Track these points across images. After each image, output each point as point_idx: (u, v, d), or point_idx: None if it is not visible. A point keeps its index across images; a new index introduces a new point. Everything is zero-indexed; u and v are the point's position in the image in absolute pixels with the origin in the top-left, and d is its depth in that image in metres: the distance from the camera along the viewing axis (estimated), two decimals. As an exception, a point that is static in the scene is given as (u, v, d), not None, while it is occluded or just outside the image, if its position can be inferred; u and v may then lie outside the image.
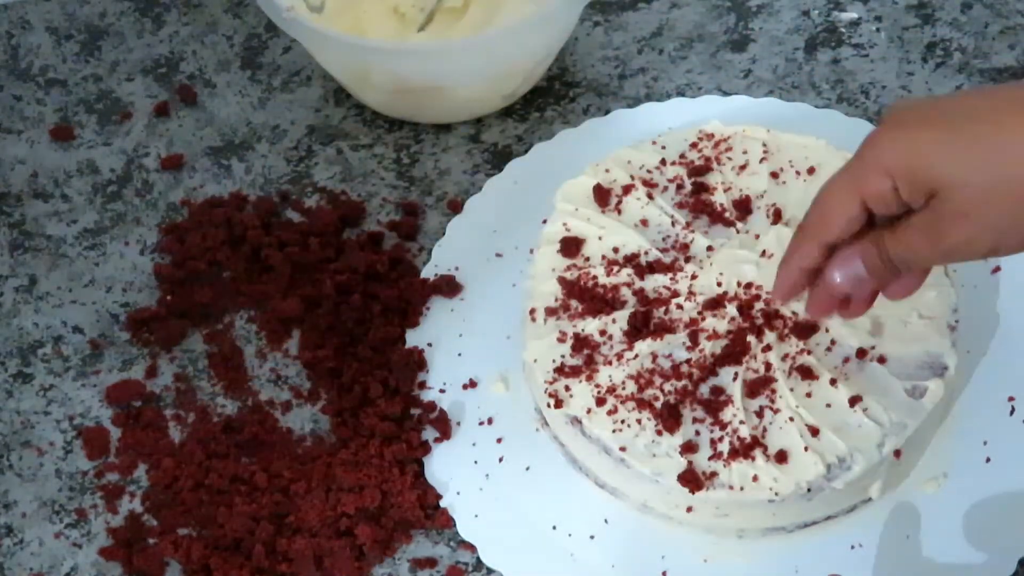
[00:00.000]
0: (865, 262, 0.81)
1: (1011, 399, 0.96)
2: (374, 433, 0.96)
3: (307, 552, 0.92)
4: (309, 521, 0.93)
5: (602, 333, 0.95)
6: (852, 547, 0.91)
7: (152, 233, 1.08)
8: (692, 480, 0.89)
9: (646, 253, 0.98)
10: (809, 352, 0.93)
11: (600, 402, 0.92)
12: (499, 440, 0.97)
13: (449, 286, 1.03)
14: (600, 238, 0.99)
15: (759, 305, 0.95)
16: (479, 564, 0.93)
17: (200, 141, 1.13)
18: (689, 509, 0.91)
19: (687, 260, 0.98)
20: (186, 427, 0.99)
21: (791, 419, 0.90)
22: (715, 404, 0.91)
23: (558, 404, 0.93)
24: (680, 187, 1.01)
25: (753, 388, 0.92)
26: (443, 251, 1.04)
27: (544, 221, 1.01)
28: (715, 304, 0.95)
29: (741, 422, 0.91)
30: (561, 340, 0.95)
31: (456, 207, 1.07)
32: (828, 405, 0.91)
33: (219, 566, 0.92)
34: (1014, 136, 0.72)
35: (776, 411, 0.91)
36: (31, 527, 0.96)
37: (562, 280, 0.97)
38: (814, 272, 0.83)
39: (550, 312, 0.96)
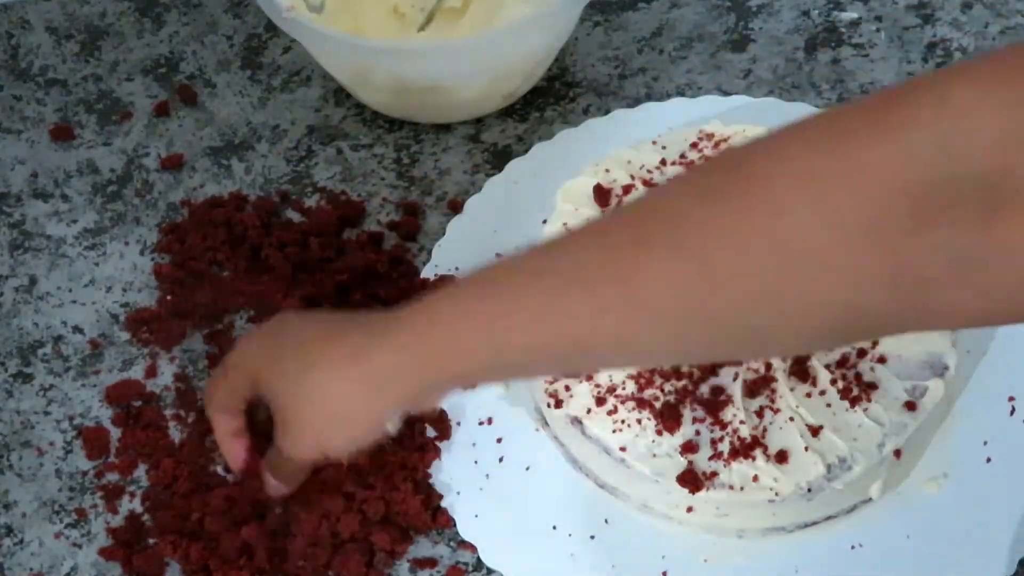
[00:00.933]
0: (274, 479, 0.92)
1: (1011, 399, 0.96)
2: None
3: (315, 555, 0.92)
4: (311, 524, 0.93)
5: (602, 333, 0.95)
6: (852, 547, 0.91)
7: (152, 233, 1.08)
8: (691, 481, 0.89)
9: (646, 253, 0.98)
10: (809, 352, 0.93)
11: (600, 402, 0.92)
12: (499, 440, 0.97)
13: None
14: (600, 238, 0.99)
15: (759, 305, 0.95)
16: (479, 564, 0.93)
17: (200, 141, 1.13)
18: (689, 509, 0.91)
19: (687, 260, 0.98)
20: (186, 427, 0.99)
21: (791, 419, 0.90)
22: (715, 404, 0.91)
23: (558, 404, 0.93)
24: (680, 187, 1.01)
25: (753, 388, 0.92)
26: (443, 251, 1.04)
27: (544, 221, 1.01)
28: (715, 304, 0.95)
29: (741, 422, 0.91)
30: (561, 340, 0.95)
31: (456, 207, 1.07)
32: (828, 405, 0.91)
33: (219, 567, 0.92)
34: (316, 368, 0.82)
35: (776, 411, 0.91)
36: (31, 527, 0.96)
37: (562, 280, 0.97)
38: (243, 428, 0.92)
39: (550, 312, 0.96)
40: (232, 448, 0.92)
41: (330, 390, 0.82)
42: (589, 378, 0.93)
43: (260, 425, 0.91)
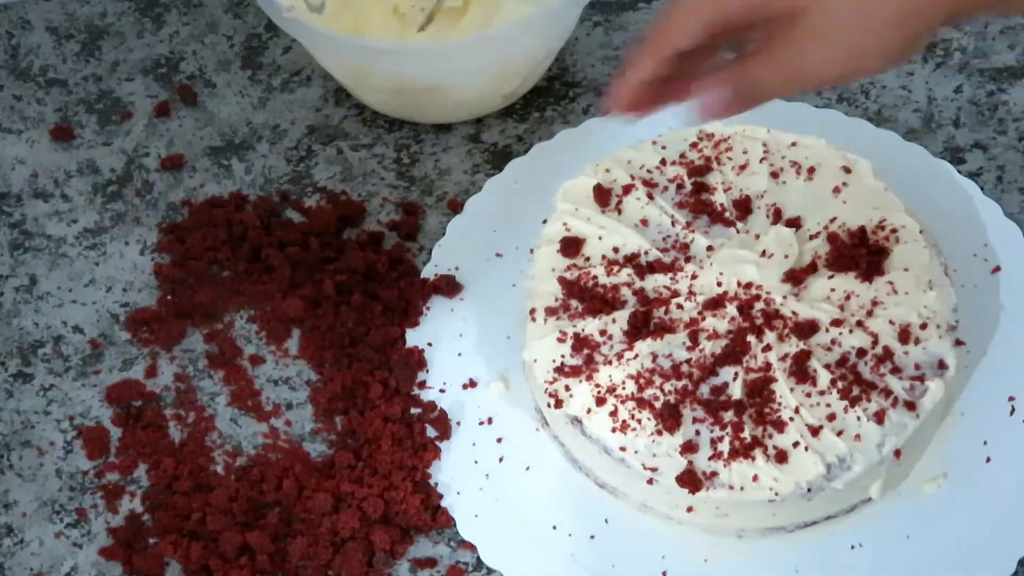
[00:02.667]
0: (722, 89, 0.80)
1: (1011, 399, 0.96)
2: (379, 437, 0.96)
3: (315, 555, 0.92)
4: (313, 525, 0.93)
5: (602, 333, 0.95)
6: (852, 547, 0.91)
7: (152, 233, 1.08)
8: (691, 481, 0.89)
9: (646, 253, 0.98)
10: (809, 352, 0.93)
11: (600, 402, 0.92)
12: (499, 440, 0.97)
13: (449, 286, 1.03)
14: (600, 238, 0.99)
15: (759, 305, 0.95)
16: (479, 564, 0.93)
17: (200, 141, 1.13)
18: (689, 509, 0.91)
19: (687, 260, 0.98)
20: (186, 427, 0.99)
21: (791, 419, 0.90)
22: (715, 404, 0.91)
23: (558, 404, 0.93)
24: (680, 187, 1.01)
25: (753, 388, 0.92)
26: (443, 251, 1.04)
27: (544, 221, 1.01)
28: (715, 304, 0.95)
29: (741, 422, 0.91)
30: (561, 340, 0.95)
31: (456, 207, 1.07)
32: (828, 405, 0.91)
33: (219, 567, 0.92)
34: None
35: (776, 411, 0.91)
36: (31, 527, 0.96)
37: (562, 280, 0.97)
38: (653, 86, 0.81)
39: (550, 312, 0.96)
40: (632, 91, 0.81)
41: None
42: (589, 378, 0.93)
43: None
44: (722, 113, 0.81)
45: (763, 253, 0.97)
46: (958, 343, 0.95)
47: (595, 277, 0.97)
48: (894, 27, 0.75)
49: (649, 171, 1.02)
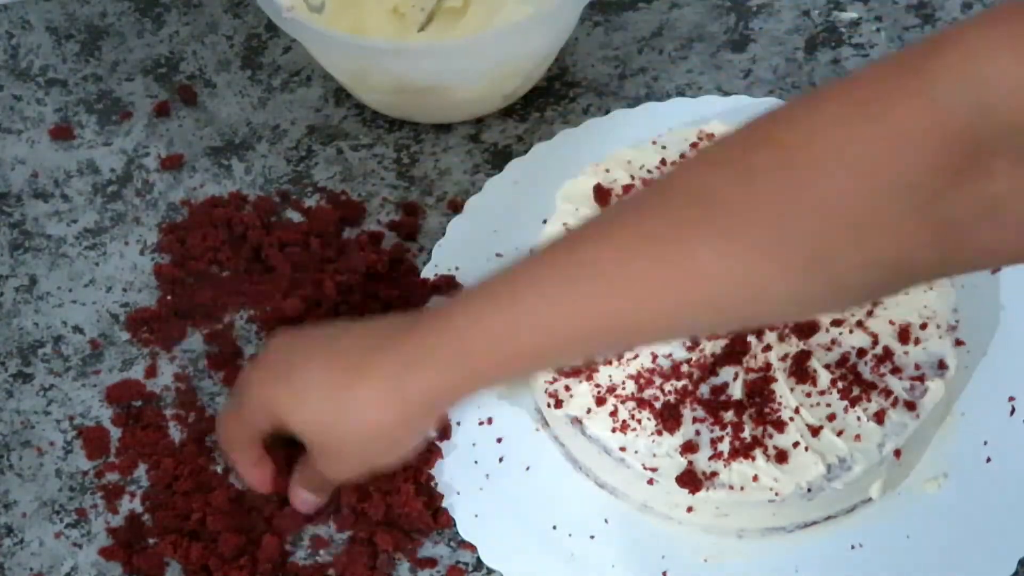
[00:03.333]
0: (303, 492, 0.91)
1: (1011, 399, 0.95)
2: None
3: (317, 556, 0.92)
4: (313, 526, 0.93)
5: (602, 333, 0.95)
6: (852, 547, 0.91)
7: (152, 233, 1.08)
8: (691, 481, 0.89)
9: (646, 253, 0.98)
10: (809, 352, 0.93)
11: (600, 402, 0.92)
12: (499, 440, 0.97)
13: (449, 286, 1.03)
14: (600, 238, 0.99)
15: (759, 305, 0.95)
16: (479, 564, 0.93)
17: (200, 141, 1.13)
18: (689, 509, 0.91)
19: (687, 260, 0.98)
20: (186, 427, 0.99)
21: (791, 419, 0.90)
22: (715, 404, 0.91)
23: (558, 404, 0.93)
24: (680, 187, 1.01)
25: (753, 388, 0.92)
26: (443, 251, 1.04)
27: (544, 221, 1.01)
28: (715, 304, 0.95)
29: (741, 422, 0.91)
30: (561, 340, 0.95)
31: (456, 207, 1.07)
32: (828, 405, 0.91)
33: (219, 567, 0.92)
34: (351, 405, 0.82)
35: (776, 411, 0.91)
36: (31, 527, 0.96)
37: (562, 280, 0.97)
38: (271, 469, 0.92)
39: (550, 312, 0.96)
40: (256, 477, 0.91)
41: (370, 420, 0.81)
42: (589, 378, 0.93)
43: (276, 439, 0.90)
44: (314, 506, 0.92)
45: (763, 253, 0.97)
46: (958, 343, 0.95)
47: (595, 277, 0.97)
48: (387, 443, 0.84)
49: (649, 171, 1.02)
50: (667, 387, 0.92)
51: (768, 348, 0.93)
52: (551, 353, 0.79)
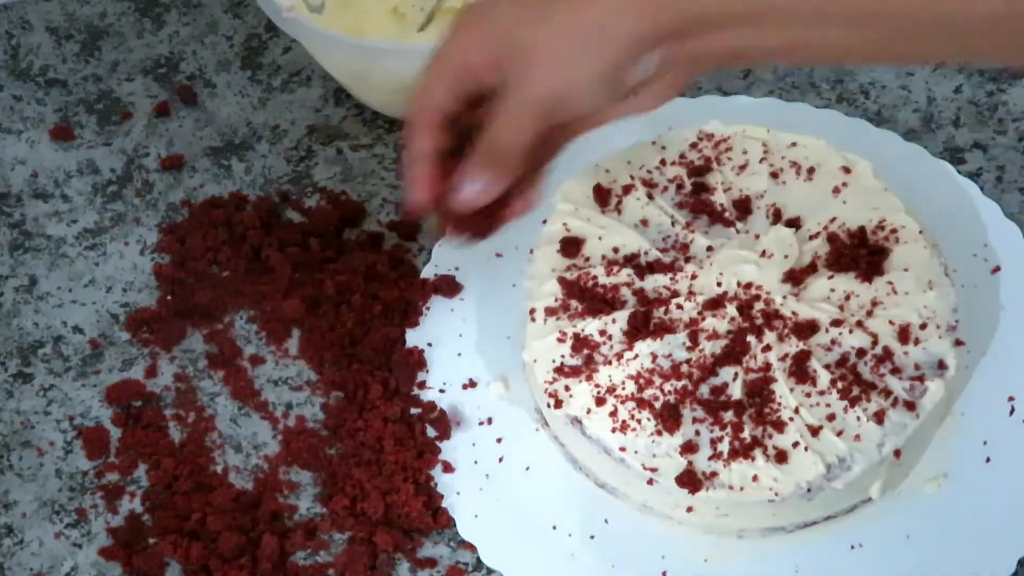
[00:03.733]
0: (475, 171, 0.83)
1: (1011, 399, 0.96)
2: (379, 437, 0.96)
3: (316, 556, 0.92)
4: (314, 526, 0.93)
5: (602, 333, 0.95)
6: (852, 547, 0.91)
7: (152, 233, 1.08)
8: (691, 482, 0.89)
9: (646, 253, 0.98)
10: (809, 352, 0.93)
11: (600, 402, 0.92)
12: (499, 440, 0.97)
13: (449, 286, 1.03)
14: (600, 238, 0.99)
15: (759, 305, 0.95)
16: (479, 564, 0.93)
17: (200, 141, 1.13)
18: (689, 509, 0.91)
19: (687, 260, 0.98)
20: (186, 427, 0.99)
21: (791, 419, 0.90)
22: (715, 404, 0.91)
23: (558, 404, 0.93)
24: (680, 187, 1.01)
25: (753, 388, 0.92)
26: (443, 251, 1.04)
27: (544, 221, 1.01)
28: (715, 304, 0.95)
29: (741, 422, 0.91)
30: (561, 340, 0.95)
31: (456, 207, 1.07)
32: (828, 405, 0.91)
33: (219, 567, 0.92)
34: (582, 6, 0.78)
35: (776, 411, 0.91)
36: (31, 527, 0.96)
37: (562, 280, 0.97)
38: (441, 157, 0.84)
39: (550, 312, 0.96)
40: (420, 176, 0.85)
41: (587, 8, 0.77)
42: (589, 378, 0.93)
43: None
44: (486, 195, 0.84)
45: (763, 253, 0.97)
46: (958, 343, 0.95)
47: (595, 277, 0.97)
48: (593, 42, 0.78)
49: (649, 171, 1.02)
50: (667, 387, 0.92)
51: (768, 348, 0.93)
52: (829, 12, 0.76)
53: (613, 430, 0.91)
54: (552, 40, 0.79)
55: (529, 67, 0.79)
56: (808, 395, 0.91)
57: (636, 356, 0.93)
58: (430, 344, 1.01)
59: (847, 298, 0.95)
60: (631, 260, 0.98)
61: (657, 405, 0.92)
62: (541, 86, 0.80)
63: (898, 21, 0.76)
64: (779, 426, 0.90)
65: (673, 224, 0.99)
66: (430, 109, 0.84)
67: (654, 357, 0.93)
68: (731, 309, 0.95)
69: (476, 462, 0.96)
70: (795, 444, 0.90)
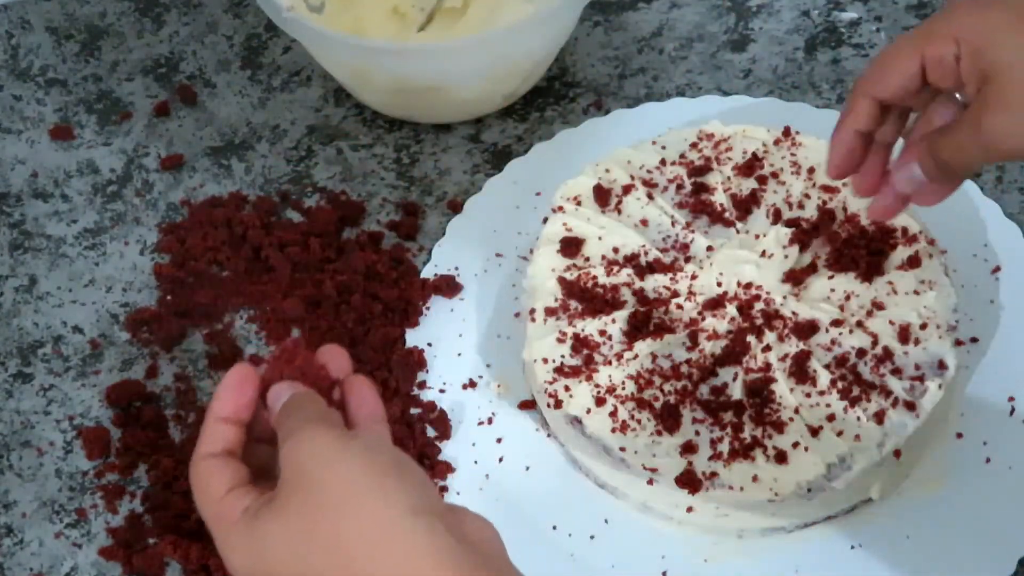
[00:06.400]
0: (921, 163, 0.78)
1: (1011, 399, 0.96)
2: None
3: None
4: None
5: (602, 333, 0.95)
6: (852, 547, 0.91)
7: (152, 233, 1.08)
8: (690, 482, 0.89)
9: (646, 253, 0.98)
10: (809, 352, 0.93)
11: (600, 402, 0.92)
12: (499, 440, 0.97)
13: (449, 286, 1.03)
14: (600, 238, 0.99)
15: (759, 305, 0.95)
16: (479, 564, 0.93)
17: (200, 141, 1.13)
18: (689, 509, 0.91)
19: (687, 260, 0.98)
20: (186, 427, 0.99)
21: (791, 419, 0.90)
22: (715, 404, 0.91)
23: (558, 404, 0.93)
24: (680, 187, 1.01)
25: (753, 388, 0.92)
26: (443, 251, 1.04)
27: (544, 221, 1.01)
28: (715, 304, 0.95)
29: (741, 422, 0.91)
30: (561, 340, 0.95)
31: (456, 207, 1.07)
32: (828, 405, 0.91)
33: (219, 567, 0.92)
34: None
35: (776, 411, 0.91)
36: (31, 527, 0.96)
37: (562, 280, 0.97)
38: (866, 139, 0.80)
39: (550, 312, 0.96)
40: (840, 144, 0.80)
41: None
42: (589, 378, 0.93)
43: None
44: (923, 191, 0.79)
45: (763, 253, 0.97)
46: (958, 343, 0.95)
47: (595, 277, 0.97)
48: None
49: (649, 171, 1.02)
50: (667, 387, 0.92)
51: (768, 348, 0.93)
52: None
53: (613, 430, 0.91)
54: None
55: (999, 108, 0.72)
56: (808, 395, 0.91)
57: (636, 356, 0.93)
58: (430, 344, 1.01)
59: (847, 298, 0.95)
60: (631, 260, 0.98)
61: (657, 405, 0.92)
62: (1008, 139, 0.73)
63: None
64: (779, 426, 0.90)
65: (673, 224, 0.99)
66: (882, 89, 0.78)
67: (654, 357, 0.93)
68: (731, 309, 0.95)
69: (476, 462, 0.96)
70: (795, 444, 0.90)
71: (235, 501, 0.69)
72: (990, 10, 0.74)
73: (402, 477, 0.67)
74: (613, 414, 0.92)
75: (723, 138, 1.03)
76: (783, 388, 0.91)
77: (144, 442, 0.98)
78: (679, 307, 0.95)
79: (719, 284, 0.96)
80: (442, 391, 0.99)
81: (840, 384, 0.91)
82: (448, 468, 0.95)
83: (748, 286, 0.96)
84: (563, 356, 0.94)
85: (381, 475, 0.67)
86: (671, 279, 0.97)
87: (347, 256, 1.04)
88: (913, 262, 0.96)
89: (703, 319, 0.95)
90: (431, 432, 0.97)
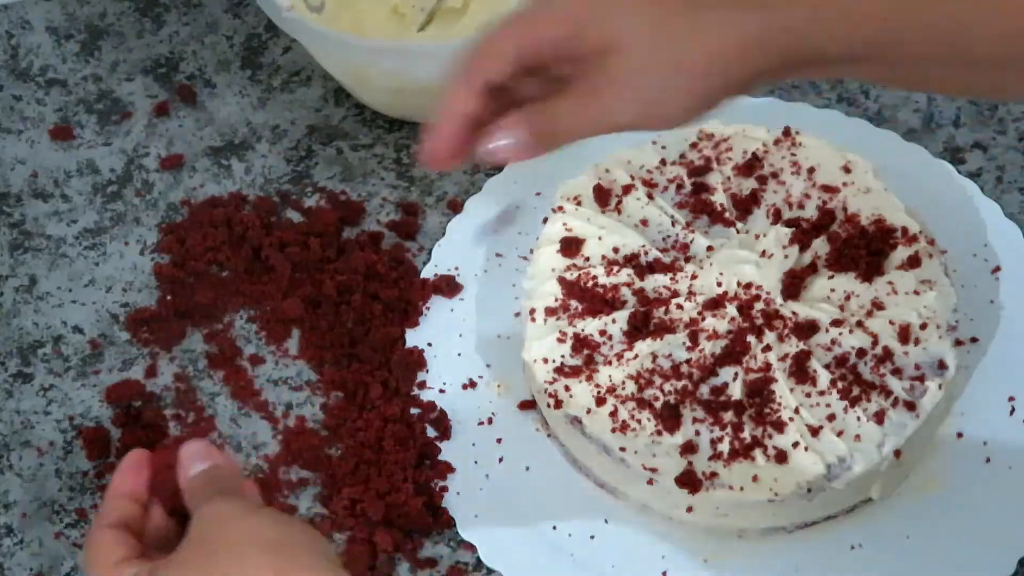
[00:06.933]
0: (518, 131, 0.77)
1: (1011, 399, 0.96)
2: (379, 437, 0.96)
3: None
4: (315, 524, 0.93)
5: (602, 333, 0.95)
6: (852, 547, 0.91)
7: (152, 233, 1.08)
8: (690, 482, 0.89)
9: (646, 253, 0.98)
10: (809, 352, 0.93)
11: (600, 402, 0.92)
12: (499, 440, 0.97)
13: (449, 286, 1.03)
14: (600, 238, 0.99)
15: (759, 305, 0.95)
16: (479, 564, 0.93)
17: (200, 141, 1.13)
18: (689, 509, 0.91)
19: (687, 260, 0.98)
20: (186, 427, 0.99)
21: (791, 419, 0.90)
22: (715, 404, 0.91)
23: (558, 404, 0.93)
24: (680, 187, 1.01)
25: (753, 388, 0.92)
26: (443, 251, 1.04)
27: (544, 220, 1.01)
28: (715, 304, 0.95)
29: (741, 422, 0.91)
30: (561, 340, 0.95)
31: (456, 207, 1.07)
32: (828, 405, 0.91)
33: (219, 566, 0.92)
34: (703, 15, 0.73)
35: (776, 411, 0.91)
36: (31, 527, 0.96)
37: (562, 280, 0.97)
38: (473, 125, 0.78)
39: (550, 312, 0.96)
40: (449, 129, 0.77)
41: (688, 38, 0.73)
42: (589, 378, 0.93)
43: None
44: (517, 156, 0.77)
45: (763, 253, 0.97)
46: (958, 343, 0.95)
47: (595, 277, 0.97)
48: (695, 79, 0.74)
49: (649, 171, 1.02)
50: (667, 387, 0.92)
51: (768, 348, 0.93)
52: (896, 23, 0.73)
53: (613, 430, 0.91)
54: (648, 68, 0.73)
55: (616, 86, 0.74)
56: (808, 395, 0.91)
57: (636, 356, 0.93)
58: (430, 344, 1.01)
59: (847, 298, 0.95)
60: (631, 260, 0.98)
61: (657, 405, 0.92)
62: (626, 114, 0.75)
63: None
64: (779, 426, 0.90)
65: (673, 224, 0.99)
66: (479, 72, 0.77)
67: (654, 357, 0.93)
68: (731, 309, 0.95)
69: (476, 462, 0.96)
70: (795, 444, 0.90)
71: (125, 569, 0.72)
72: None
73: (310, 538, 0.71)
74: (613, 414, 0.92)
75: (723, 138, 1.03)
76: (783, 388, 0.91)
77: (144, 442, 0.98)
78: (679, 307, 0.95)
79: (719, 284, 0.96)
80: (442, 391, 0.99)
81: (840, 384, 0.91)
82: (448, 468, 0.95)
83: (748, 286, 0.96)
84: (563, 356, 0.94)
85: (287, 534, 0.70)
86: (671, 279, 0.97)
87: (347, 256, 1.04)
88: (913, 262, 0.96)
89: (703, 319, 0.95)
90: (431, 432, 0.97)
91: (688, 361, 0.93)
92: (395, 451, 0.95)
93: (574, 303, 0.96)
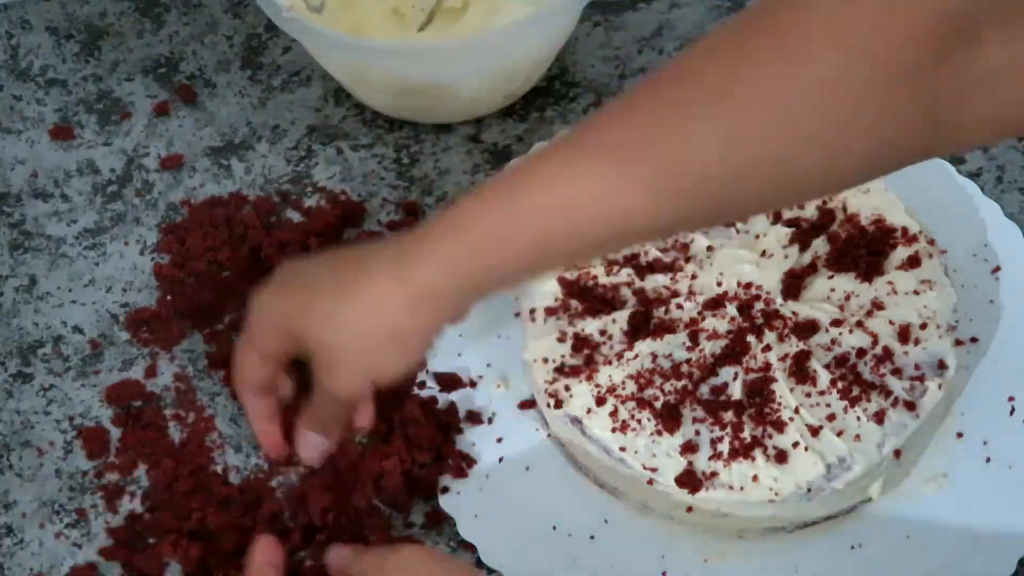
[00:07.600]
0: (307, 431, 0.87)
1: (1011, 399, 0.95)
2: (385, 438, 0.96)
3: (316, 555, 0.92)
4: (313, 526, 0.93)
5: (602, 333, 0.95)
6: (852, 547, 0.91)
7: (152, 233, 1.08)
8: (690, 482, 0.89)
9: (646, 252, 0.98)
10: (809, 352, 0.93)
11: (600, 402, 0.92)
12: (499, 440, 0.97)
13: (449, 286, 1.03)
14: (600, 238, 0.99)
15: (759, 305, 0.95)
16: (479, 564, 0.93)
17: (200, 141, 1.13)
18: (689, 509, 0.91)
19: (687, 260, 0.98)
20: (186, 427, 0.99)
21: (791, 419, 0.90)
22: (715, 404, 0.91)
23: (558, 404, 0.93)
24: (680, 187, 1.01)
25: (753, 388, 0.92)
26: (443, 251, 1.04)
27: (544, 221, 1.01)
28: (715, 304, 0.95)
29: (741, 422, 0.91)
30: (561, 340, 0.95)
31: (456, 207, 1.07)
32: (828, 405, 0.91)
33: (219, 567, 0.92)
34: (356, 299, 0.79)
35: (776, 411, 0.91)
36: (31, 527, 0.96)
37: (562, 280, 0.97)
38: (283, 404, 0.88)
39: (550, 312, 0.96)
40: (267, 434, 0.88)
41: (376, 316, 0.79)
42: (589, 378, 0.93)
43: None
44: (328, 448, 0.87)
45: (763, 253, 0.97)
46: (958, 343, 0.95)
47: (595, 277, 0.97)
48: (393, 344, 0.80)
49: (649, 171, 1.02)
50: (667, 387, 0.92)
51: (768, 348, 0.93)
52: (554, 247, 0.77)
53: (613, 430, 0.91)
54: (349, 347, 0.81)
55: (332, 369, 0.82)
56: (808, 395, 0.91)
57: (636, 356, 0.93)
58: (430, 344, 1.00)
59: (847, 298, 0.95)
60: (631, 260, 0.98)
61: (657, 405, 0.92)
62: (348, 386, 0.83)
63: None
64: (779, 426, 0.90)
65: (673, 224, 0.99)
66: (248, 382, 0.86)
67: (654, 357, 0.93)
68: (731, 309, 0.95)
69: (476, 462, 0.96)
70: (795, 444, 0.90)
71: None
72: (285, 299, 0.83)
73: None
74: (613, 414, 0.92)
75: (723, 138, 1.03)
76: (783, 388, 0.91)
77: (144, 442, 0.98)
78: (679, 307, 0.95)
79: (719, 284, 0.96)
80: (442, 391, 0.99)
81: (840, 384, 0.91)
82: (469, 460, 0.95)
83: (748, 286, 0.96)
84: (563, 356, 0.94)
85: None
86: (671, 279, 0.97)
87: (347, 256, 1.04)
88: (913, 262, 0.96)
89: (703, 319, 0.95)
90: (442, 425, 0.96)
91: (688, 361, 0.93)
92: (396, 448, 0.95)
93: (574, 303, 0.96)
